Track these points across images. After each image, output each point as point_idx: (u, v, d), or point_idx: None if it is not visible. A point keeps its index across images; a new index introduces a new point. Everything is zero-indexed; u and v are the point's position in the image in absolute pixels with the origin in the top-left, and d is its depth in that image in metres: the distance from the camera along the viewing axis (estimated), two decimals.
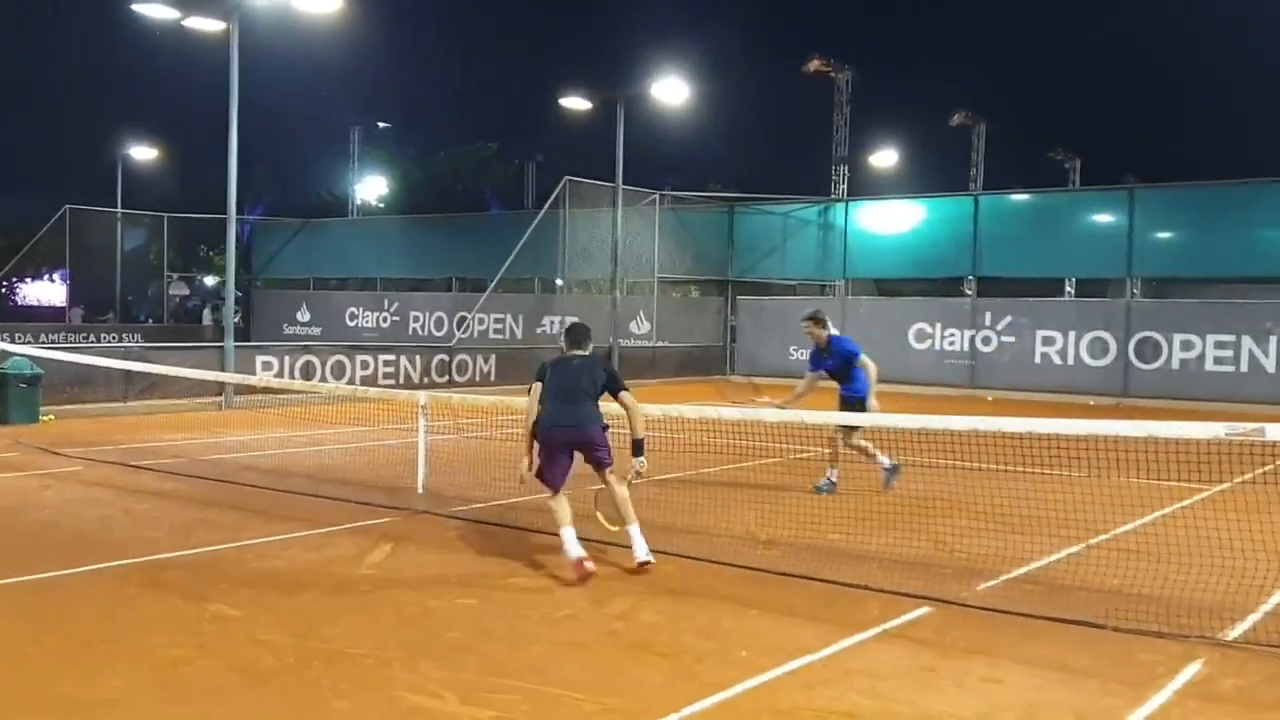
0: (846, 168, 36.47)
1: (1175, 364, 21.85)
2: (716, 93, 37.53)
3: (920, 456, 10.97)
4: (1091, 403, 21.78)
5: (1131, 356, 22.37)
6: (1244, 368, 21.02)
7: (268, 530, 8.25)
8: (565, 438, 7.41)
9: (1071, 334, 23.21)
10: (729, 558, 7.58)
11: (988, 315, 24.31)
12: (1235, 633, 5.95)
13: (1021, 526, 8.65)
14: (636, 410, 7.51)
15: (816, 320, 10.81)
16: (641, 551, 7.18)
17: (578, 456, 7.52)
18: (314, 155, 58.57)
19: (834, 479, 10.46)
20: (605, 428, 7.51)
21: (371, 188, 53.43)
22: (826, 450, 10.73)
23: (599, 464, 7.48)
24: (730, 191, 31.90)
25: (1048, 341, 23.47)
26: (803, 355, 26.58)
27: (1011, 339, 23.84)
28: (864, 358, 10.57)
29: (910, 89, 55.15)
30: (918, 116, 47.84)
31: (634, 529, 7.28)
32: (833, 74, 36.31)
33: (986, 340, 24.19)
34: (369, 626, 5.89)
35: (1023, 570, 7.38)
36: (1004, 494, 9.83)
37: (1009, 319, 23.99)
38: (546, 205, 26.61)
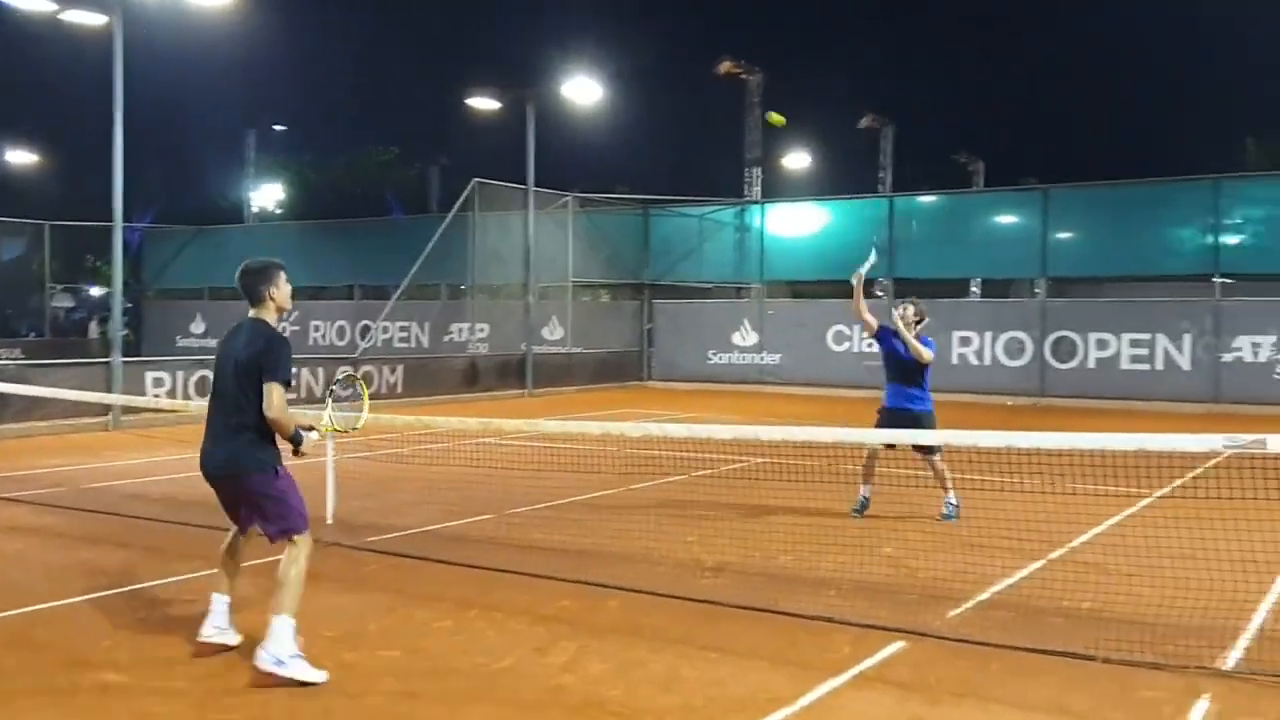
0: (760, 170, 36.21)
1: (1091, 363, 21.88)
2: (625, 94, 37.01)
3: (841, 465, 10.53)
4: (1009, 403, 21.73)
5: (1048, 356, 22.36)
6: (1159, 365, 21.12)
7: (161, 571, 7.39)
8: (215, 485, 5.55)
9: (988, 334, 23.13)
10: (675, 589, 6.94)
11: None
12: (1231, 661, 5.51)
13: (974, 540, 8.22)
14: (280, 424, 5.36)
15: (919, 310, 9.54)
16: (268, 656, 5.15)
17: None
18: (206, 160, 56.50)
19: (867, 496, 9.57)
20: (274, 471, 5.42)
21: (267, 194, 51.75)
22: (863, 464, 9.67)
23: (264, 532, 5.52)
24: (640, 193, 31.36)
25: (964, 342, 23.35)
26: (721, 358, 26.58)
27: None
28: (928, 351, 9.35)
29: (820, 91, 55.27)
30: (828, 119, 47.83)
31: (279, 621, 5.20)
32: (744, 75, 36.03)
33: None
34: (279, 690, 5.11)
35: (989, 593, 6.89)
36: (941, 505, 9.42)
37: (926, 320, 23.78)
38: (455, 208, 25.69)
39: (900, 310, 9.52)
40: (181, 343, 33.38)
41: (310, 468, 7.64)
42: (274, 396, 5.31)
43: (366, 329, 27.61)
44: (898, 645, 5.81)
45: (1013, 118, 61.81)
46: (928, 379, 9.47)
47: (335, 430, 6.36)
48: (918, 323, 9.49)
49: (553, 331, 27.30)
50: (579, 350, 26.78)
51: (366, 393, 6.68)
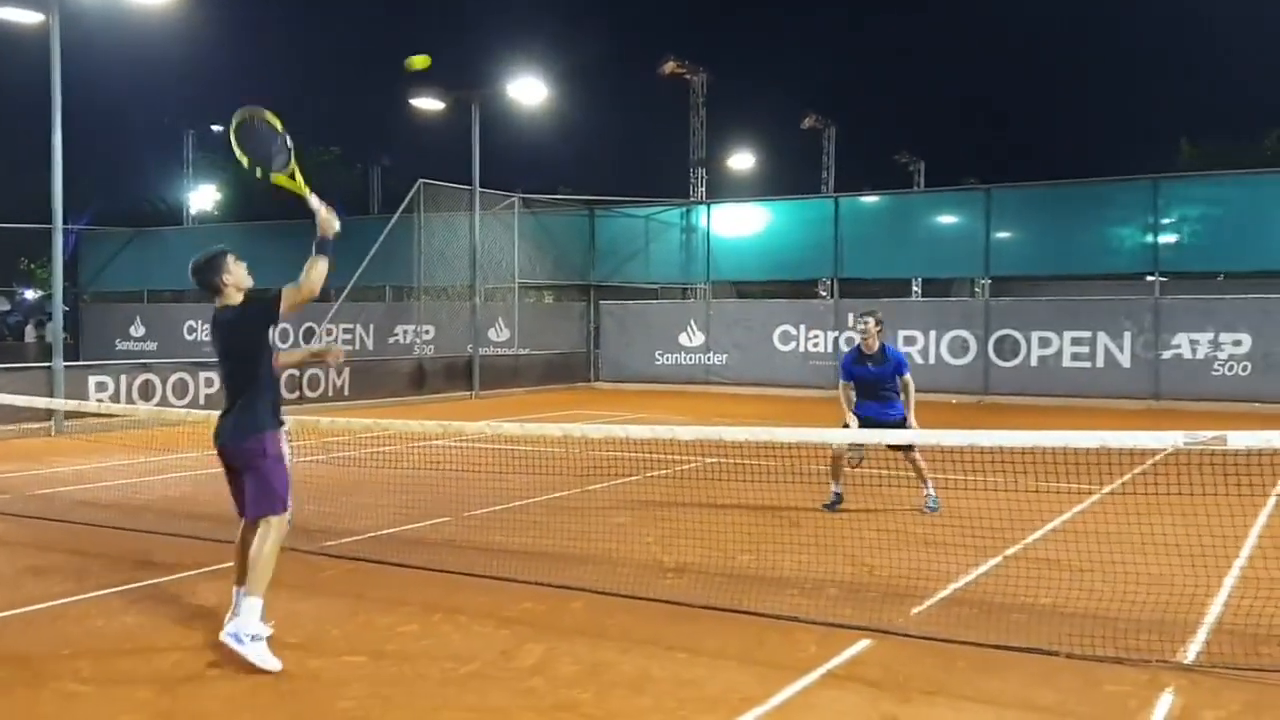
0: (705, 170, 36.34)
1: (1034, 361, 22.20)
2: (569, 94, 37.02)
3: (797, 465, 10.62)
4: (954, 401, 21.97)
5: (991, 354, 22.65)
6: (1100, 363, 21.49)
7: (114, 579, 7.24)
8: (225, 458, 5.82)
9: (932, 333, 23.38)
10: (638, 590, 6.94)
11: (850, 316, 24.27)
12: (1191, 654, 5.62)
13: (931, 538, 8.31)
14: (316, 276, 5.61)
15: (879, 320, 9.64)
16: (229, 632, 5.41)
17: None
18: (144, 161, 55.42)
19: (839, 492, 9.75)
20: (263, 448, 5.63)
21: (206, 195, 50.94)
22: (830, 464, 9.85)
23: (245, 508, 5.75)
24: (585, 194, 31.32)
25: (909, 341, 23.58)
26: (668, 359, 26.62)
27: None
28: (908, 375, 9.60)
29: (763, 92, 55.72)
30: (771, 119, 48.21)
31: (247, 602, 5.44)
32: (688, 76, 36.14)
33: (850, 341, 24.15)
34: (246, 698, 5.05)
35: (949, 590, 6.97)
36: (898, 503, 9.53)
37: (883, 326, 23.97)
38: (400, 209, 25.49)
39: (863, 326, 9.65)
40: (120, 346, 32.79)
41: None
42: (296, 291, 5.57)
43: (311, 331, 27.27)
44: (864, 643, 5.85)
45: (952, 118, 62.70)
46: (897, 388, 9.62)
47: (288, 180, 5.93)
48: (878, 330, 9.63)
49: (499, 333, 27.17)
50: (526, 352, 26.68)
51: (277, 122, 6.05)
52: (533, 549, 8.16)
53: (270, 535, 5.60)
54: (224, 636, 5.46)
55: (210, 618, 6.27)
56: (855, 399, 9.70)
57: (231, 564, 6.06)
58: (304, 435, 10.44)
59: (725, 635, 6.03)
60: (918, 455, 9.56)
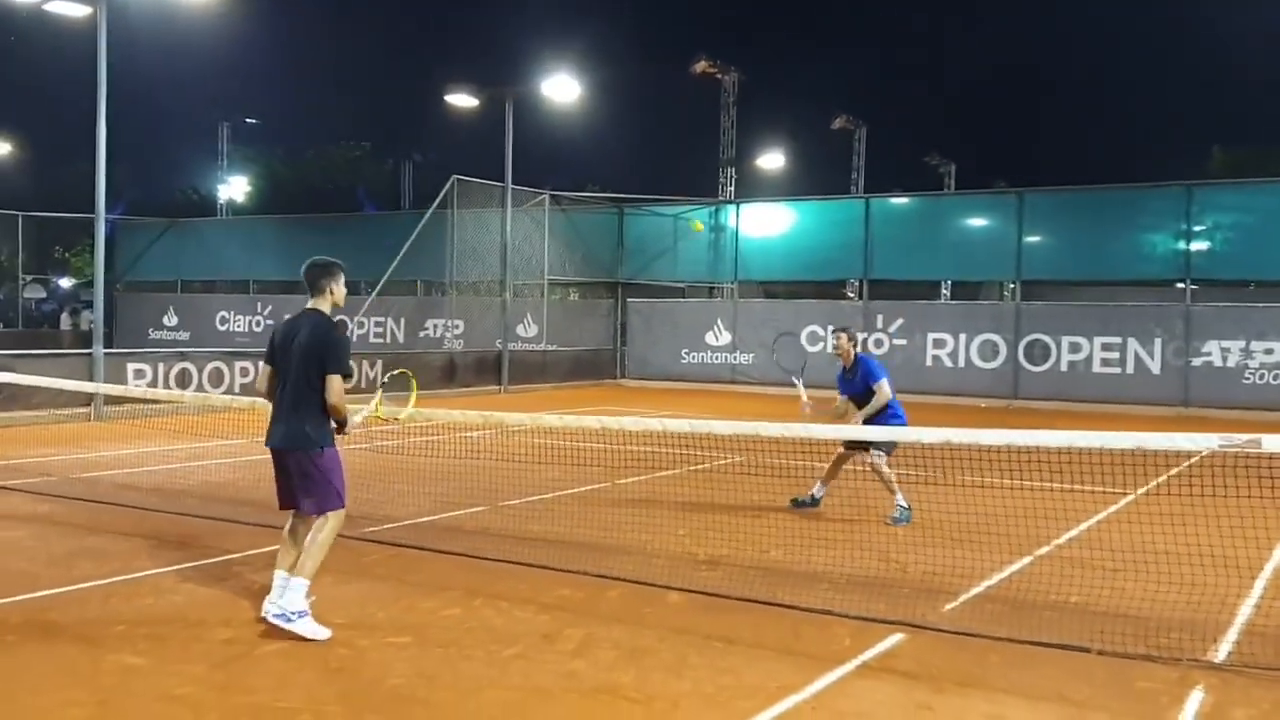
0: (734, 170, 36.47)
1: (1064, 366, 22.14)
2: (599, 92, 37.17)
3: (820, 463, 10.67)
4: (983, 405, 21.96)
5: (1021, 359, 22.60)
6: (1130, 369, 21.42)
7: (162, 559, 7.43)
8: (276, 460, 6.07)
9: (962, 336, 23.34)
10: (674, 580, 7.07)
11: (879, 318, 24.36)
12: (1221, 654, 5.70)
13: (961, 538, 8.36)
14: (336, 410, 5.91)
15: (850, 335, 9.72)
16: (277, 610, 5.76)
17: None
18: (178, 152, 56.08)
19: (818, 495, 9.79)
20: (321, 450, 5.93)
21: (238, 187, 51.49)
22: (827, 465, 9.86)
23: (302, 506, 6.04)
24: (611, 191, 31.47)
25: (938, 344, 23.58)
26: (694, 357, 26.73)
27: (904, 341, 23.90)
28: (884, 383, 9.49)
29: (794, 92, 55.82)
30: (801, 119, 48.32)
31: (296, 582, 5.79)
32: (719, 75, 36.26)
33: (879, 343, 24.22)
34: (296, 674, 5.21)
35: (981, 587, 7.07)
36: (929, 503, 9.58)
37: (901, 321, 24.06)
38: (434, 205, 25.71)
39: (834, 342, 9.78)
40: (154, 335, 33.16)
41: None
42: (334, 386, 5.87)
43: (343, 323, 27.54)
44: (897, 637, 5.95)
45: (983, 121, 62.53)
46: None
47: (379, 418, 6.89)
48: (850, 344, 9.71)
49: (528, 329, 27.34)
50: (554, 348, 26.85)
51: (415, 388, 7.15)
52: (568, 539, 8.30)
53: (328, 524, 5.98)
54: (271, 617, 5.79)
55: (258, 598, 6.43)
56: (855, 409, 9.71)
57: (275, 547, 6.25)
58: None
59: (760, 626, 6.14)
60: (880, 463, 9.36)
